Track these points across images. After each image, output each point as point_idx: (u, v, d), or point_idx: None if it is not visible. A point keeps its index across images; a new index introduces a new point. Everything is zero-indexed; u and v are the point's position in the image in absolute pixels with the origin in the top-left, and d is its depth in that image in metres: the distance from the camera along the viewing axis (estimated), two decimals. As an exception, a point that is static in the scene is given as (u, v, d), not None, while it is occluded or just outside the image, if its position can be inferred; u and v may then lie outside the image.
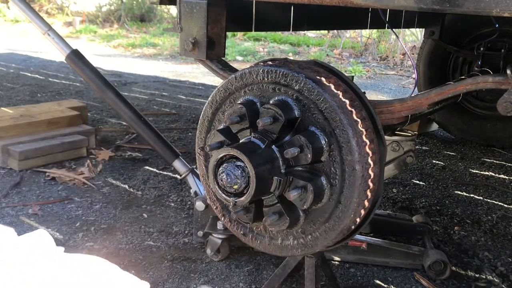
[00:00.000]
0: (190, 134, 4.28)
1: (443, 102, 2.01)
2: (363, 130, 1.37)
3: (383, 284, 2.17)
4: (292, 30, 2.88)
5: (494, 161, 3.80)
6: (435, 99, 1.64)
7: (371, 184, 1.39)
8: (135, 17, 13.71)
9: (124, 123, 4.37)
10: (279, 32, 10.77)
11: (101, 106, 5.10)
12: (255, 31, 2.44)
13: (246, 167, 1.33)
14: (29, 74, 6.91)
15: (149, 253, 2.33)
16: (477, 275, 2.25)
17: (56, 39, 2.71)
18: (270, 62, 1.52)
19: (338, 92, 1.39)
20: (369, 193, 1.41)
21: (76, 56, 2.71)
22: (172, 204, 2.87)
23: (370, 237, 2.32)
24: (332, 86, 1.39)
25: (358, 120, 1.37)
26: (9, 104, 4.95)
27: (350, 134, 1.32)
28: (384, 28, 5.16)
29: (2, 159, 3.33)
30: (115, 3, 13.95)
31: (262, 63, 1.54)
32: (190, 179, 2.49)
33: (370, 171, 1.38)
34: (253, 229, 1.59)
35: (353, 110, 1.37)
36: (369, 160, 1.37)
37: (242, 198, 1.36)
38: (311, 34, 11.25)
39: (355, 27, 5.63)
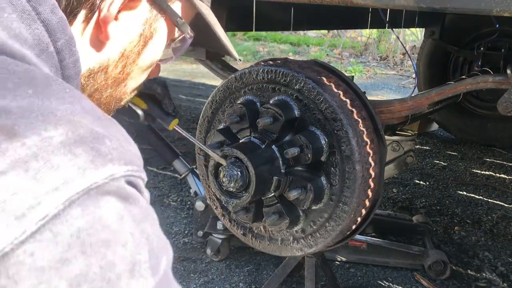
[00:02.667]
0: (190, 134, 4.28)
1: (443, 102, 2.01)
2: (364, 130, 1.37)
3: (383, 284, 2.17)
4: (292, 30, 2.88)
5: (495, 161, 3.79)
6: (435, 99, 1.64)
7: (371, 184, 1.39)
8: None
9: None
10: (279, 32, 10.76)
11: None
12: (255, 31, 2.44)
13: (246, 167, 1.32)
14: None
15: (149, 253, 2.33)
16: (477, 275, 2.25)
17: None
18: (270, 62, 1.52)
19: (339, 91, 1.38)
20: (369, 193, 1.40)
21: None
22: (172, 204, 2.87)
23: (370, 237, 2.32)
24: (333, 86, 1.39)
25: (359, 120, 1.37)
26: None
27: (350, 134, 1.32)
28: (384, 27, 5.16)
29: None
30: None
31: (262, 63, 1.54)
32: (190, 179, 2.49)
33: (370, 171, 1.38)
34: (253, 229, 1.59)
35: (353, 110, 1.37)
36: (370, 160, 1.37)
37: (242, 198, 1.36)
38: (311, 33, 11.24)
39: (355, 27, 5.64)
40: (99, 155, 0.51)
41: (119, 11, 0.71)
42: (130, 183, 0.55)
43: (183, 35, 0.82)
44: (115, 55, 0.75)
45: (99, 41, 0.72)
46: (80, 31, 0.70)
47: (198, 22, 0.84)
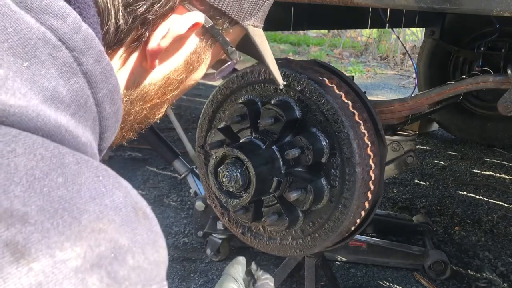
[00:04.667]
0: (190, 134, 4.28)
1: (443, 102, 2.00)
2: (365, 132, 1.36)
3: (383, 284, 2.17)
4: (292, 30, 2.87)
5: (495, 161, 3.79)
6: (435, 99, 1.64)
7: (371, 186, 1.38)
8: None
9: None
10: (279, 32, 10.75)
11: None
12: (255, 30, 2.43)
13: (247, 167, 1.32)
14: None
15: None
16: (477, 275, 2.25)
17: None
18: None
19: (340, 93, 1.38)
20: (369, 195, 1.40)
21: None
22: (172, 204, 2.87)
23: (370, 237, 2.32)
24: (335, 87, 1.38)
25: (360, 122, 1.36)
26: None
27: (351, 136, 1.31)
28: (385, 27, 5.15)
29: None
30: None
31: (263, 63, 1.53)
32: (190, 179, 2.49)
33: (371, 173, 1.37)
34: (252, 228, 1.59)
35: (355, 111, 1.36)
36: (370, 162, 1.37)
37: (242, 198, 1.36)
38: (311, 33, 11.23)
39: (356, 27, 5.63)
40: (114, 283, 0.46)
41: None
42: None
43: (230, 62, 0.76)
44: (157, 82, 0.70)
45: (142, 68, 0.67)
46: (122, 59, 0.65)
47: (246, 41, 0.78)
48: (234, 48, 0.74)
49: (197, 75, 0.76)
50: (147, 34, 0.63)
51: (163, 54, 0.66)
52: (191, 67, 0.71)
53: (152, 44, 0.64)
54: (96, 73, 0.55)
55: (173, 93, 0.74)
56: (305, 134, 1.35)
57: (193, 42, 0.69)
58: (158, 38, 0.63)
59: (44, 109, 0.49)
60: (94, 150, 0.57)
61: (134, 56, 0.65)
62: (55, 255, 0.42)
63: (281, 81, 0.87)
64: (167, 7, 0.62)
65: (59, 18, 0.52)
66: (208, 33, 0.69)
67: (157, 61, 0.66)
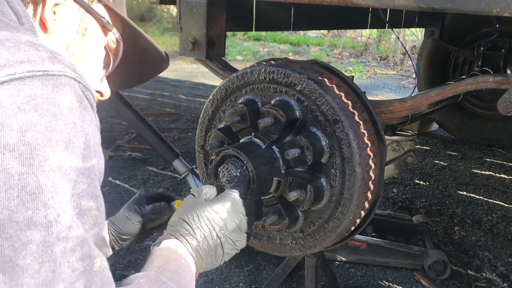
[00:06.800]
0: (190, 134, 4.28)
1: (443, 102, 2.00)
2: (365, 132, 1.36)
3: (383, 284, 2.17)
4: (292, 30, 2.87)
5: (495, 161, 3.79)
6: (435, 99, 1.64)
7: (371, 186, 1.38)
8: (134, 16, 13.66)
9: (124, 122, 4.37)
10: (279, 32, 10.76)
11: (102, 106, 5.09)
12: (255, 31, 2.44)
13: (247, 167, 1.32)
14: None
15: (149, 253, 2.32)
16: (477, 275, 2.25)
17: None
18: (272, 62, 1.51)
19: (340, 93, 1.38)
20: (369, 195, 1.40)
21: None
22: (172, 204, 2.86)
23: (370, 237, 2.32)
24: (334, 87, 1.38)
25: (360, 122, 1.36)
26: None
27: (351, 137, 1.31)
28: (384, 28, 5.16)
29: None
30: (115, 3, 13.90)
31: (264, 63, 1.53)
32: (190, 179, 2.49)
33: (370, 173, 1.37)
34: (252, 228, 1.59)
35: (355, 112, 1.36)
36: (370, 162, 1.36)
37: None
38: (311, 33, 11.24)
39: (355, 27, 5.63)
40: (55, 58, 0.70)
41: (54, 13, 0.88)
42: (84, 93, 0.73)
43: (118, 46, 0.99)
44: (62, 48, 0.91)
45: (46, 37, 0.89)
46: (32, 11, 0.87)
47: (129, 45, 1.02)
48: (108, 20, 0.96)
49: (94, 41, 0.96)
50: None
51: (56, 24, 0.88)
52: (82, 31, 0.93)
53: (46, 8, 0.87)
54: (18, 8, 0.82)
55: (81, 56, 0.95)
56: (305, 134, 1.35)
57: (74, 12, 0.92)
58: (50, 4, 0.87)
59: None
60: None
61: (37, 23, 0.87)
62: (12, 31, 0.71)
63: (161, 49, 1.10)
64: None
65: None
66: (80, 4, 0.92)
67: (52, 29, 0.88)
